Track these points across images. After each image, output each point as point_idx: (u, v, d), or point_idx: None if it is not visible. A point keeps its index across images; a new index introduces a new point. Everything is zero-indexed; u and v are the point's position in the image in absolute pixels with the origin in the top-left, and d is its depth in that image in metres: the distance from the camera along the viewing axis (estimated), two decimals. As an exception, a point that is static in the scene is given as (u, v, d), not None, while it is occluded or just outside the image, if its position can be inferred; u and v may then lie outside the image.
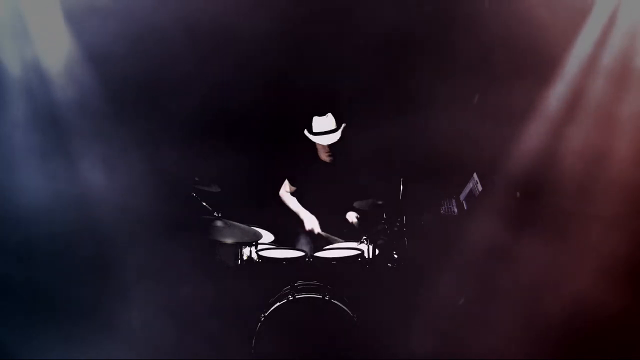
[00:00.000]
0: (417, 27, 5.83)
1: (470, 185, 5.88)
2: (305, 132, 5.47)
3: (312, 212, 5.54)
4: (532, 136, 5.53)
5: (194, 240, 5.22)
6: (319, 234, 5.43)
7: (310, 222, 5.48)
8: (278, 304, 4.58)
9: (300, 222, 5.53)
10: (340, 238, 5.38)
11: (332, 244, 5.31)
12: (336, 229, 5.49)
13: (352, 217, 5.63)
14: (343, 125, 5.43)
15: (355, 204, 5.40)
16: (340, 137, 5.40)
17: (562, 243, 5.14)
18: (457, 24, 5.68)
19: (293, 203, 5.61)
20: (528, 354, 4.76)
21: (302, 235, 5.54)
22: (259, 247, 5.04)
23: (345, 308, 4.59)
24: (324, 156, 5.51)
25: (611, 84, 5.16)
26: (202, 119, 5.94)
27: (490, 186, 5.65)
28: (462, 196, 6.01)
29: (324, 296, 4.59)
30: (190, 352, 4.79)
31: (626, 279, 4.87)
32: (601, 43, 5.21)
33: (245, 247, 5.00)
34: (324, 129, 5.39)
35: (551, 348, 4.83)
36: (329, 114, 5.44)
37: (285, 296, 4.61)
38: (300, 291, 4.66)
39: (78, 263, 5.22)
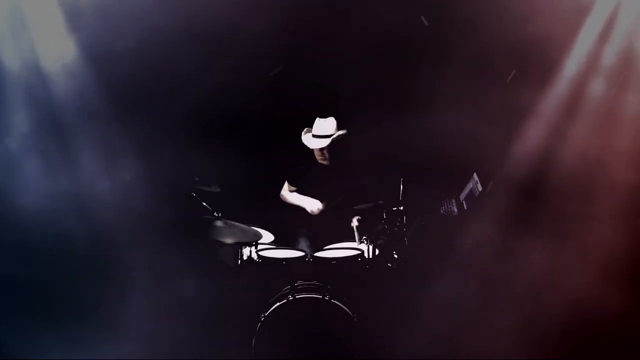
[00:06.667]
0: (417, 27, 5.83)
1: (470, 185, 5.87)
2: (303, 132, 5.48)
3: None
4: (532, 136, 5.54)
5: (194, 240, 5.22)
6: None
7: (313, 204, 5.46)
8: (278, 304, 4.58)
9: (302, 221, 5.53)
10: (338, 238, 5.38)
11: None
12: (336, 229, 5.48)
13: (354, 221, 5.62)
14: (338, 133, 5.38)
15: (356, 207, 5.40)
16: (336, 142, 5.38)
17: (562, 243, 5.14)
18: (457, 24, 5.67)
19: (293, 196, 5.59)
20: (528, 354, 4.76)
21: (302, 235, 5.53)
22: (259, 247, 5.03)
23: (345, 308, 4.59)
24: (318, 158, 5.51)
25: (611, 84, 5.16)
26: (202, 119, 5.93)
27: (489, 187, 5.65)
28: (462, 196, 6.00)
29: (324, 296, 4.59)
30: (190, 352, 4.79)
31: (626, 280, 4.87)
32: (601, 43, 5.21)
33: (245, 247, 4.99)
34: (317, 133, 5.39)
35: (552, 348, 4.83)
36: (331, 118, 5.43)
37: (285, 296, 4.61)
38: (300, 291, 4.66)
39: (78, 263, 5.22)
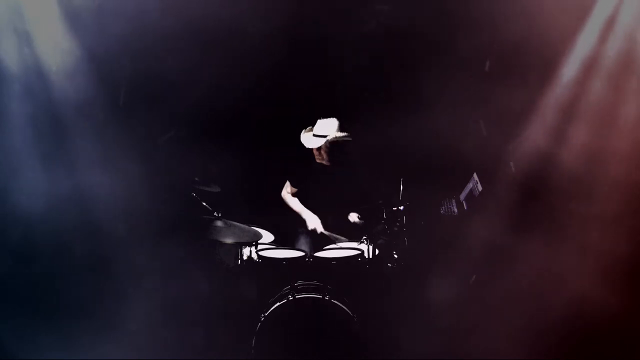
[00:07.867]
0: (417, 27, 5.83)
1: (470, 185, 5.88)
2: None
3: (313, 213, 5.53)
4: (532, 136, 5.54)
5: (194, 240, 5.22)
6: (322, 233, 5.41)
7: (313, 221, 5.47)
8: (278, 304, 4.58)
9: (302, 221, 5.53)
10: (344, 237, 5.36)
11: (336, 242, 5.30)
12: (338, 229, 5.48)
13: (353, 217, 5.62)
14: (337, 135, 5.33)
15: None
16: (335, 143, 5.35)
17: (563, 243, 5.14)
18: (458, 24, 5.68)
19: (295, 204, 5.60)
20: (529, 354, 4.76)
21: (302, 235, 5.53)
22: (259, 247, 5.03)
23: (345, 308, 4.59)
24: (316, 158, 5.50)
25: (611, 84, 5.16)
26: (203, 119, 5.94)
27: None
28: (462, 196, 6.01)
29: (324, 296, 4.59)
30: (190, 352, 4.79)
31: (626, 280, 4.87)
32: (601, 43, 5.21)
33: (245, 247, 4.99)
34: (315, 132, 5.38)
35: (552, 348, 4.83)
36: (333, 119, 5.40)
37: (285, 296, 4.61)
38: (300, 291, 4.66)
39: (78, 263, 5.22)
